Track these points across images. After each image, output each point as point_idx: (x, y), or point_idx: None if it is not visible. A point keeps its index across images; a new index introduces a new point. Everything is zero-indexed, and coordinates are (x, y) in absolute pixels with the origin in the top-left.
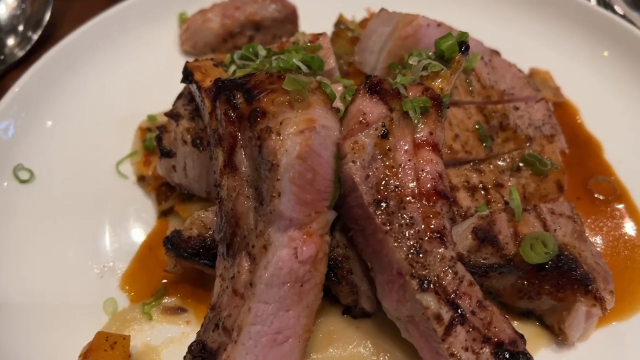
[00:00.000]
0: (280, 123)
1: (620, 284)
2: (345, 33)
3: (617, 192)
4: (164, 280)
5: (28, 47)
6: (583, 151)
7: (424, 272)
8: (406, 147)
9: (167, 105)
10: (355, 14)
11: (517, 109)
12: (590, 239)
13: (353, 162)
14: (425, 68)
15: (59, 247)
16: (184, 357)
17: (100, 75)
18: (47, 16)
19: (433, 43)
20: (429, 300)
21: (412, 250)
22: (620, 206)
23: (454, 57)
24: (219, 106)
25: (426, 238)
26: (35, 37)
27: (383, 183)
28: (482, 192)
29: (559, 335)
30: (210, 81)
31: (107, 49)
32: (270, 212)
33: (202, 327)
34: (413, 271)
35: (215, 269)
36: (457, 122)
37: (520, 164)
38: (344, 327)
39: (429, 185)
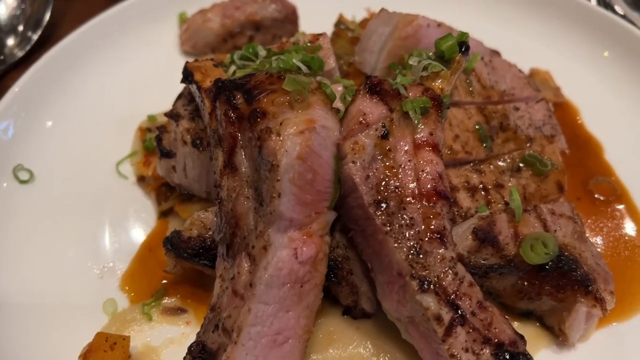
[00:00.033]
0: (280, 123)
1: (621, 285)
2: (346, 33)
3: (617, 193)
4: (164, 281)
5: (28, 47)
6: (583, 151)
7: (424, 273)
8: (406, 148)
9: (167, 106)
10: (356, 14)
11: (517, 109)
12: (590, 239)
13: (353, 162)
14: (425, 68)
15: (59, 248)
16: (184, 357)
17: (100, 75)
18: (47, 16)
19: (433, 43)
20: (429, 301)
21: (412, 251)
22: (621, 207)
23: (454, 58)
24: (219, 106)
25: (426, 239)
26: (35, 37)
27: (383, 184)
28: (483, 192)
29: (559, 336)
30: (210, 81)
31: (107, 49)
32: (270, 212)
33: (202, 328)
34: (413, 272)
35: (215, 269)
36: (458, 122)
37: (521, 165)
38: (344, 327)
39: (429, 186)
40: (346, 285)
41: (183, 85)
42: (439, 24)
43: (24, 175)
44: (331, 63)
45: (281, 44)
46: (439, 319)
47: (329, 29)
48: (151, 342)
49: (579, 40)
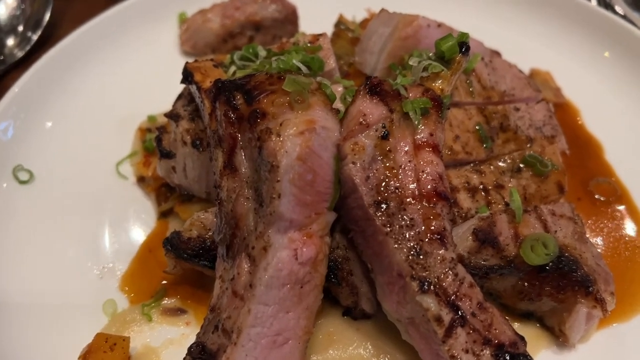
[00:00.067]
0: (280, 124)
1: (621, 286)
2: (346, 33)
3: (617, 193)
4: (164, 282)
5: (28, 48)
6: (584, 152)
7: (424, 274)
8: (406, 148)
9: (167, 106)
10: (356, 14)
11: (517, 109)
12: (591, 240)
13: (353, 163)
14: (425, 69)
15: (59, 248)
16: (184, 358)
17: (100, 76)
18: (47, 16)
19: (433, 44)
20: (430, 302)
21: (412, 252)
22: (621, 207)
23: (455, 58)
24: (219, 107)
25: (426, 239)
26: (35, 37)
27: (383, 184)
28: (483, 193)
29: (559, 337)
30: (210, 82)
31: (107, 49)
32: (270, 213)
33: (201, 329)
34: (413, 273)
35: (215, 270)
36: (458, 123)
37: (521, 165)
38: (344, 328)
39: (429, 187)
40: (346, 286)
41: (183, 86)
42: (439, 25)
43: (23, 176)
44: (331, 63)
45: (281, 44)
46: (439, 320)
47: (329, 29)
48: (151, 343)
49: (579, 41)
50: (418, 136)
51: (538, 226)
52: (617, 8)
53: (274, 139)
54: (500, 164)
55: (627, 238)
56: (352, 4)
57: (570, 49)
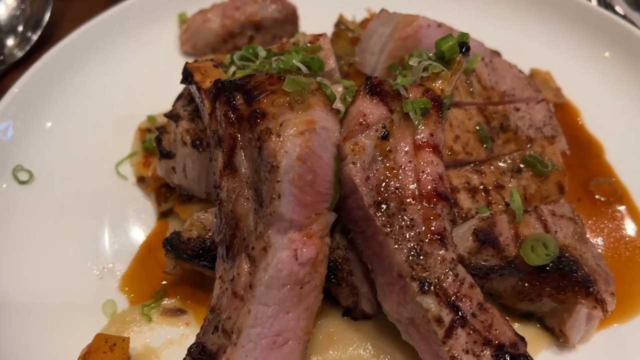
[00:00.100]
0: (280, 124)
1: (622, 286)
2: (346, 34)
3: (618, 194)
4: (164, 282)
5: (28, 48)
6: (584, 152)
7: (424, 274)
8: (406, 149)
9: (167, 106)
10: (356, 14)
11: (517, 110)
12: (591, 240)
13: (353, 163)
14: (425, 69)
15: (59, 248)
16: (184, 359)
17: (100, 76)
18: (47, 16)
19: (433, 44)
20: (430, 303)
21: (412, 252)
22: (621, 207)
23: (455, 58)
24: (219, 107)
25: (427, 240)
26: (35, 37)
27: (383, 185)
28: (483, 193)
29: (559, 338)
30: (210, 82)
31: (107, 49)
32: (270, 213)
33: (201, 329)
34: (413, 273)
35: (215, 270)
36: (458, 123)
37: (521, 165)
38: (344, 329)
39: (429, 187)
40: (346, 287)
41: (183, 86)
42: (439, 25)
43: (23, 176)
44: (331, 64)
45: (281, 44)
46: (439, 320)
47: (329, 30)
48: (151, 343)
49: (579, 41)
50: (418, 136)
51: (538, 226)
52: (617, 8)
53: (274, 139)
54: (501, 164)
55: (627, 238)
56: (352, 4)
57: (570, 48)
